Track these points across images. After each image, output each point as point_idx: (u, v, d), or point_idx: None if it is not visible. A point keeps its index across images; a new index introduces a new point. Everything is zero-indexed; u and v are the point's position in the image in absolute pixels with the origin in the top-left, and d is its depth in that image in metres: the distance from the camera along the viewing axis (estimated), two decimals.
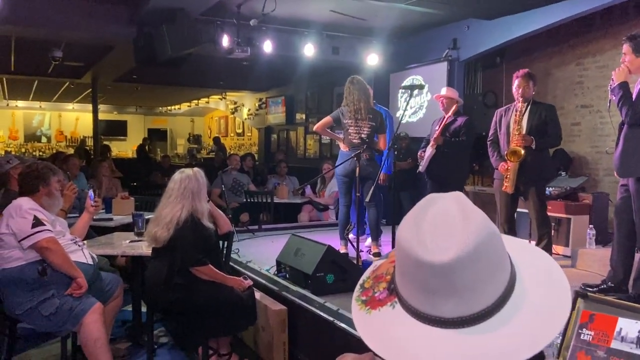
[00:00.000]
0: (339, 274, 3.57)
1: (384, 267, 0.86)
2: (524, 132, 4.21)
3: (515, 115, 4.32)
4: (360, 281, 0.88)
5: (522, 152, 4.13)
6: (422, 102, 7.55)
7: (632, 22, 5.75)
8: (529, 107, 4.31)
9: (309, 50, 7.02)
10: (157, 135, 18.69)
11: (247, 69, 9.09)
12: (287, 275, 3.91)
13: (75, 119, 17.83)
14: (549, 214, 4.80)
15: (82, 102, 15.74)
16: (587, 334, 2.16)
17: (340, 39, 7.46)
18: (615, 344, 2.05)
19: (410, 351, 0.72)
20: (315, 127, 4.83)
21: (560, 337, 2.29)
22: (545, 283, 0.77)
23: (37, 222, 2.79)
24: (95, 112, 11.07)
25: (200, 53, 6.65)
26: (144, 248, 3.35)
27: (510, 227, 4.55)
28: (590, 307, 2.23)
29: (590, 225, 4.49)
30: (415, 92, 7.56)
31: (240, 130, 16.00)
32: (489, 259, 0.71)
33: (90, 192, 3.37)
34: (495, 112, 4.64)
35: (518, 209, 4.71)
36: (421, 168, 5.70)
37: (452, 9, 6.21)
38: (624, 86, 3.27)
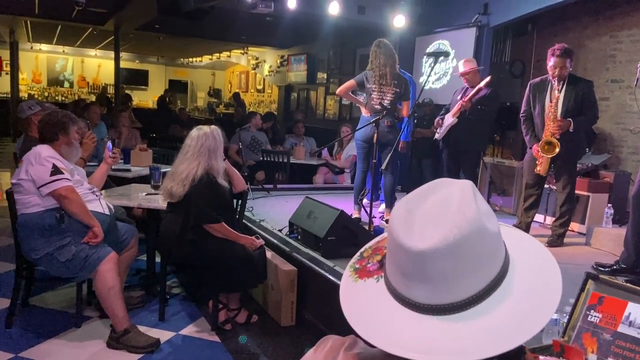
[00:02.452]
0: (351, 239, 3.56)
1: (386, 240, 0.86)
2: (559, 114, 4.06)
3: (552, 95, 4.15)
4: (362, 249, 0.89)
5: (558, 147, 3.99)
6: (447, 69, 7.37)
7: None
8: (564, 85, 4.14)
9: (334, 8, 6.85)
10: (177, 87, 18.65)
11: (270, 25, 8.92)
12: (299, 237, 3.94)
13: (97, 65, 17.83)
14: None
15: (104, 49, 15.69)
16: (595, 316, 2.16)
17: None
18: (622, 328, 2.04)
19: (375, 325, 0.74)
20: (338, 91, 4.76)
21: (568, 317, 2.29)
22: (535, 287, 0.75)
23: (55, 171, 2.83)
24: (117, 60, 11.05)
25: (224, 6, 6.53)
26: (160, 201, 3.39)
27: (535, 202, 4.45)
28: (600, 290, 2.22)
29: (609, 204, 4.42)
30: (441, 58, 7.41)
31: (260, 87, 15.88)
32: (471, 254, 0.71)
33: (109, 143, 3.40)
34: (529, 85, 4.45)
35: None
36: (438, 136, 5.63)
37: None
38: None
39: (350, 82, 4.60)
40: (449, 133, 5.46)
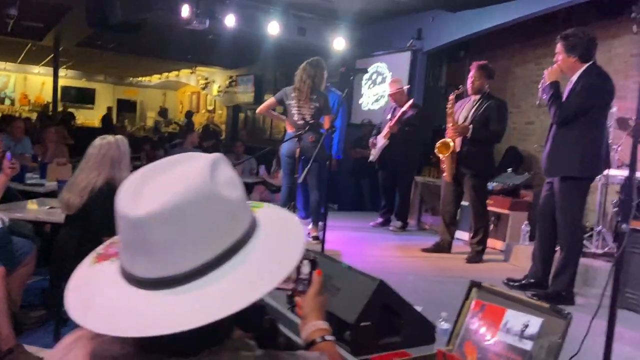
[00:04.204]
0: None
1: None
2: (467, 123, 4.27)
3: (466, 106, 4.42)
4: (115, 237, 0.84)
5: (451, 144, 4.27)
6: (384, 91, 7.51)
7: (593, 25, 5.79)
8: (480, 100, 4.38)
9: (273, 28, 6.90)
10: (126, 106, 18.30)
11: (214, 44, 8.90)
12: None
13: (41, 83, 17.30)
14: (491, 209, 4.87)
15: (48, 65, 15.27)
16: (476, 324, 2.17)
17: (307, 20, 7.35)
18: (500, 335, 2.05)
19: (98, 306, 0.70)
20: (258, 110, 4.78)
21: (452, 325, 2.29)
22: (276, 258, 0.73)
23: None
24: (55, 76, 10.75)
25: (161, 22, 6.47)
26: (62, 215, 3.24)
27: (451, 218, 4.59)
28: (482, 297, 2.23)
29: (526, 222, 4.53)
30: (379, 79, 7.58)
31: (211, 107, 15.77)
32: (196, 222, 0.68)
33: (8, 154, 3.24)
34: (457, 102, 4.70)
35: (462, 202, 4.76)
36: (372, 157, 5.72)
37: None
38: (555, 85, 3.28)
39: (271, 100, 4.65)
40: (383, 154, 5.57)
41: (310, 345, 1.02)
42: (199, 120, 15.95)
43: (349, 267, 2.69)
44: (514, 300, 2.14)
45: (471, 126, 4.25)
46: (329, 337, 1.06)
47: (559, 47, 3.31)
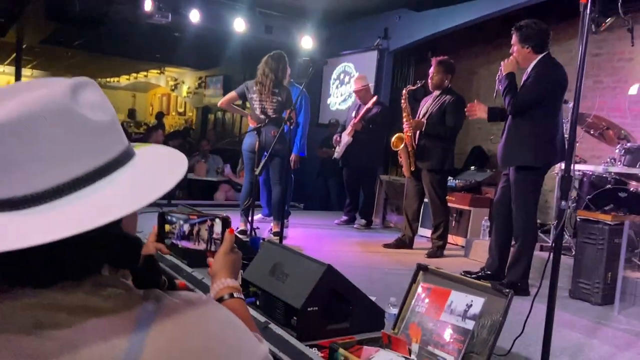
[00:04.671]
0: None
1: None
2: (424, 118, 4.30)
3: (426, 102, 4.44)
4: None
5: (404, 137, 4.37)
6: (352, 90, 7.51)
7: (554, 25, 5.89)
8: (439, 95, 4.41)
9: (239, 25, 6.84)
10: None
11: (181, 43, 8.78)
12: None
13: (5, 83, 16.85)
14: (452, 205, 4.88)
15: (12, 65, 14.87)
16: (422, 306, 2.14)
17: (274, 18, 7.31)
18: (444, 316, 2.02)
19: None
20: (219, 103, 4.69)
21: (398, 309, 2.25)
22: (141, 185, 0.68)
23: None
24: (18, 75, 10.45)
25: (122, 16, 6.34)
26: None
27: (413, 213, 4.58)
28: (428, 280, 2.20)
29: (486, 217, 4.55)
30: (346, 79, 7.57)
31: (182, 110, 15.56)
32: (46, 138, 0.61)
33: None
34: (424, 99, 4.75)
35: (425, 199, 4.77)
36: (336, 154, 5.69)
37: None
38: (510, 76, 3.30)
39: (232, 94, 4.57)
40: (347, 152, 5.54)
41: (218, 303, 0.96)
42: (169, 122, 15.72)
43: (298, 253, 2.64)
44: (459, 282, 2.12)
45: (424, 120, 4.28)
46: (237, 295, 1.02)
47: (514, 38, 3.34)
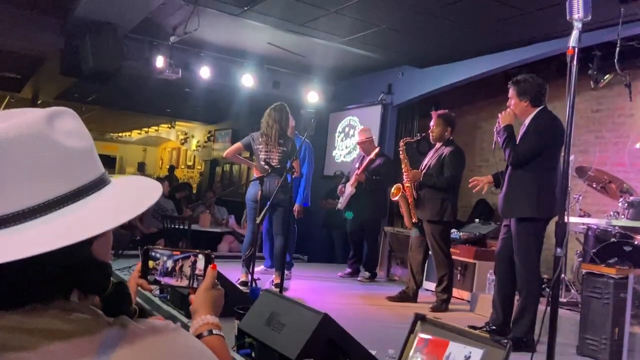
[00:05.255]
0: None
1: None
2: (424, 170, 4.35)
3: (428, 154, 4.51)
4: None
5: (400, 188, 4.44)
6: (356, 142, 7.63)
7: (554, 81, 6.02)
8: (440, 147, 4.47)
9: (247, 80, 7.05)
10: (105, 162, 17.88)
11: (191, 97, 9.04)
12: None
13: None
14: (457, 258, 4.82)
15: None
16: (420, 358, 2.08)
17: (281, 74, 7.53)
18: None
19: None
20: (225, 154, 4.79)
21: None
22: (112, 207, 0.70)
23: None
24: None
25: (135, 73, 6.57)
26: None
27: (417, 266, 4.53)
28: (426, 330, 2.16)
29: (491, 270, 4.48)
30: (351, 132, 7.70)
31: (190, 163, 15.79)
32: (18, 162, 0.65)
33: None
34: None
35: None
36: (340, 205, 5.70)
37: (386, 55, 6.38)
38: (509, 129, 3.35)
39: (237, 145, 4.68)
40: (350, 202, 5.56)
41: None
42: (178, 175, 15.92)
43: (295, 302, 2.60)
44: (457, 332, 2.07)
45: (422, 172, 4.32)
46: (216, 332, 1.01)
47: (511, 92, 3.41)
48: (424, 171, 4.38)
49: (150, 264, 1.14)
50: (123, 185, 0.76)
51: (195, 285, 1.11)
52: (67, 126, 0.70)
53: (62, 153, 0.67)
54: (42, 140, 0.66)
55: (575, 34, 1.97)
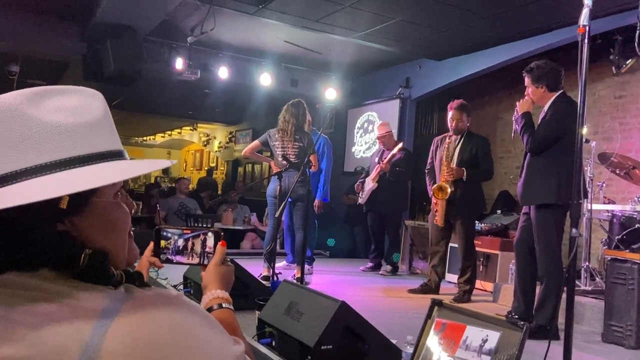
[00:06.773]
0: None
1: None
2: (454, 164, 4.24)
3: (448, 146, 4.40)
4: None
5: (449, 189, 4.19)
6: (375, 137, 7.62)
7: (575, 68, 5.91)
8: (462, 139, 4.39)
9: (265, 79, 7.10)
10: None
11: (211, 98, 9.15)
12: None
13: None
14: (480, 249, 4.78)
15: None
16: (438, 342, 2.09)
17: (299, 72, 7.57)
18: (459, 352, 1.97)
19: None
20: (243, 152, 4.85)
21: (414, 346, 2.20)
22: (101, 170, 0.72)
23: None
24: None
25: (155, 75, 6.69)
26: None
27: (439, 259, 4.50)
28: (443, 316, 2.17)
29: (513, 261, 4.43)
30: (370, 127, 7.69)
31: (214, 164, 15.99)
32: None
33: None
34: (433, 140, 4.72)
35: (451, 244, 4.70)
36: (361, 200, 5.71)
37: (404, 48, 6.35)
38: (527, 116, 3.32)
39: (255, 143, 4.74)
40: (371, 197, 5.56)
41: None
42: (201, 175, 16.14)
43: (313, 291, 2.63)
44: (474, 316, 2.07)
45: (464, 169, 4.22)
46: (226, 305, 1.03)
47: (526, 80, 3.37)
48: (457, 165, 4.27)
49: (162, 243, 1.18)
50: (128, 161, 0.78)
51: (205, 262, 1.14)
52: (61, 103, 0.72)
53: (35, 127, 0.69)
54: (13, 114, 0.68)
55: (585, 11, 1.95)
